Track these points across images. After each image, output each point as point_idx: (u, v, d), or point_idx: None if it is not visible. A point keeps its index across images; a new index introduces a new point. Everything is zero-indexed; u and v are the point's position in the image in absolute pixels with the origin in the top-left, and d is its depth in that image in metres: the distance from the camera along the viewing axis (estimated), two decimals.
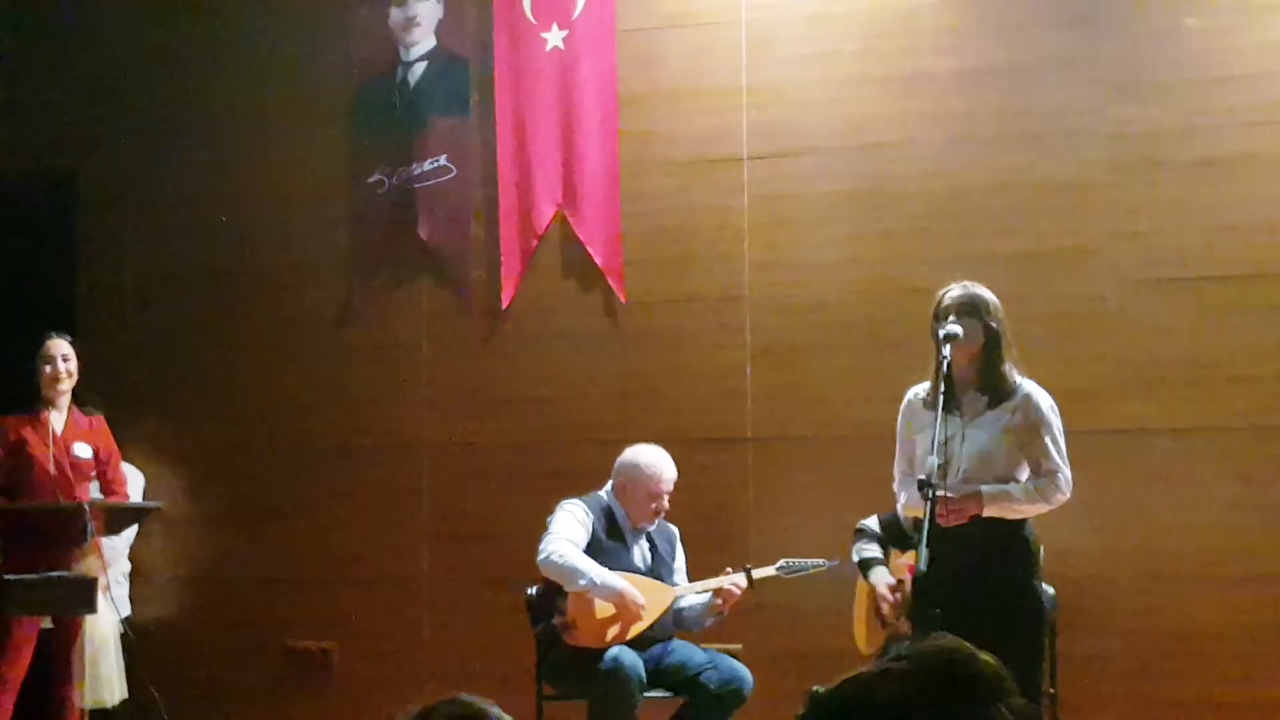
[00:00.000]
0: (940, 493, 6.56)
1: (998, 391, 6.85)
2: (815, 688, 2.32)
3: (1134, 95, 8.89)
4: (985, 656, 2.28)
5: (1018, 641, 6.67)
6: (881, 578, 7.73)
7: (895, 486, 7.11)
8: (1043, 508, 6.84)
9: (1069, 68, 9.01)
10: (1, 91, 10.65)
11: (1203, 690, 8.53)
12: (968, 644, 2.31)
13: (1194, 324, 8.74)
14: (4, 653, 8.12)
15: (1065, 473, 6.83)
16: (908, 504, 7.06)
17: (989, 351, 6.84)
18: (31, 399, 8.51)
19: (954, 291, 6.88)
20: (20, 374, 8.56)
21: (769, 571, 8.05)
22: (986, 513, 6.72)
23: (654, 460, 8.04)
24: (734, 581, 7.92)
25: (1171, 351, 8.75)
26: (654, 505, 8.00)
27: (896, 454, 7.09)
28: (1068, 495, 6.85)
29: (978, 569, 6.71)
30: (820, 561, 8.12)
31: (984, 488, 6.72)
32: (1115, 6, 9.01)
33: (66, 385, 8.57)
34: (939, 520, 6.58)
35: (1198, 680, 8.55)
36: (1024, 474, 6.86)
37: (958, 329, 6.73)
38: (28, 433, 8.41)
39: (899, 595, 7.60)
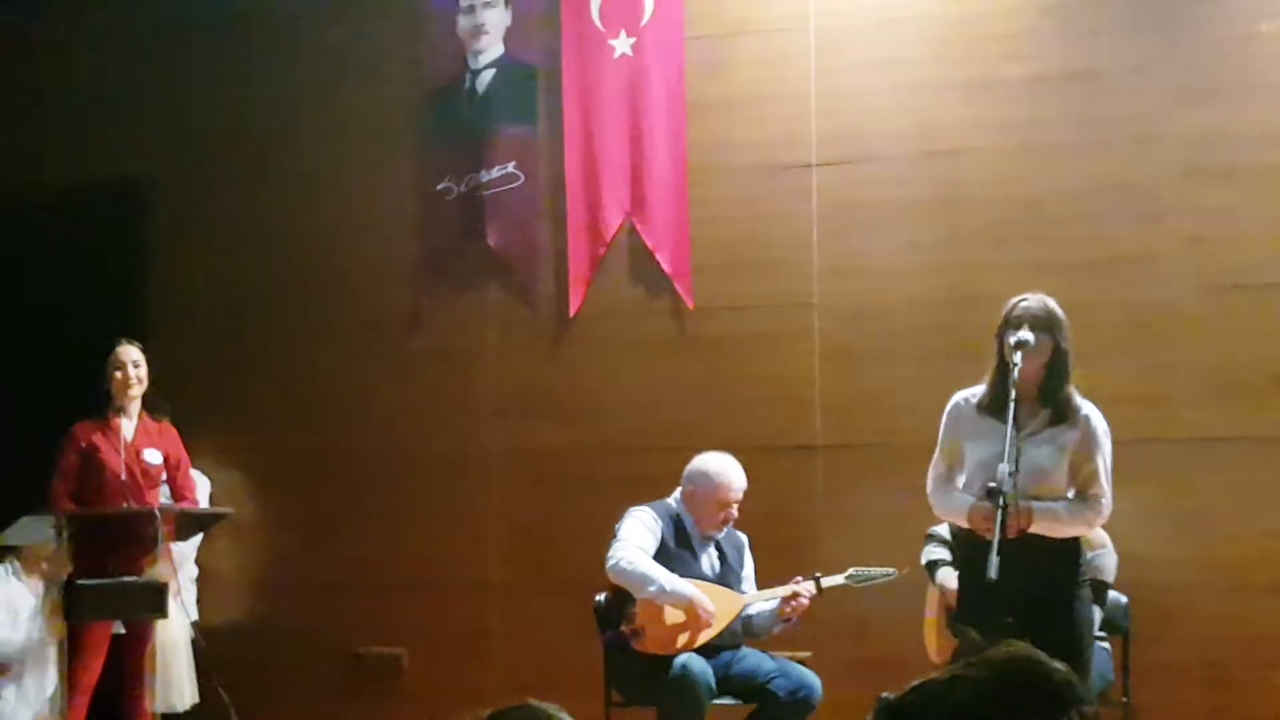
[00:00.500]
0: (1011, 501, 6.53)
1: (1061, 409, 6.80)
2: (884, 694, 2.30)
3: (1207, 101, 8.82)
4: (1057, 664, 2.26)
5: (1063, 652, 6.63)
6: (948, 578, 7.70)
7: (930, 490, 7.03)
8: (1083, 529, 6.86)
9: (1141, 73, 8.94)
10: (78, 98, 10.71)
11: (1278, 701, 8.46)
12: (1039, 652, 2.29)
13: (1268, 330, 8.66)
14: (77, 657, 8.15)
15: (1109, 498, 6.81)
16: (946, 509, 7.00)
17: (1055, 368, 6.80)
18: (102, 405, 8.55)
19: (1029, 302, 6.82)
20: (92, 381, 8.59)
21: (838, 580, 8.03)
22: (1034, 529, 6.68)
23: (723, 468, 8.03)
24: (802, 590, 7.90)
25: (1245, 358, 8.67)
26: (723, 514, 7.99)
27: (935, 457, 7.04)
28: (1105, 519, 6.88)
29: (1029, 582, 6.65)
30: (890, 571, 8.09)
31: (1035, 504, 6.68)
32: (1189, 11, 8.94)
33: (137, 391, 8.60)
34: (985, 534, 6.56)
35: (1274, 690, 8.47)
36: (1071, 493, 6.83)
37: (1029, 337, 6.68)
38: (99, 439, 8.45)
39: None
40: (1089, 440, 6.78)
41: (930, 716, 2.23)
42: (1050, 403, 6.80)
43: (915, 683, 2.30)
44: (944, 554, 7.90)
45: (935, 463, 7.04)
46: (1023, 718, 2.19)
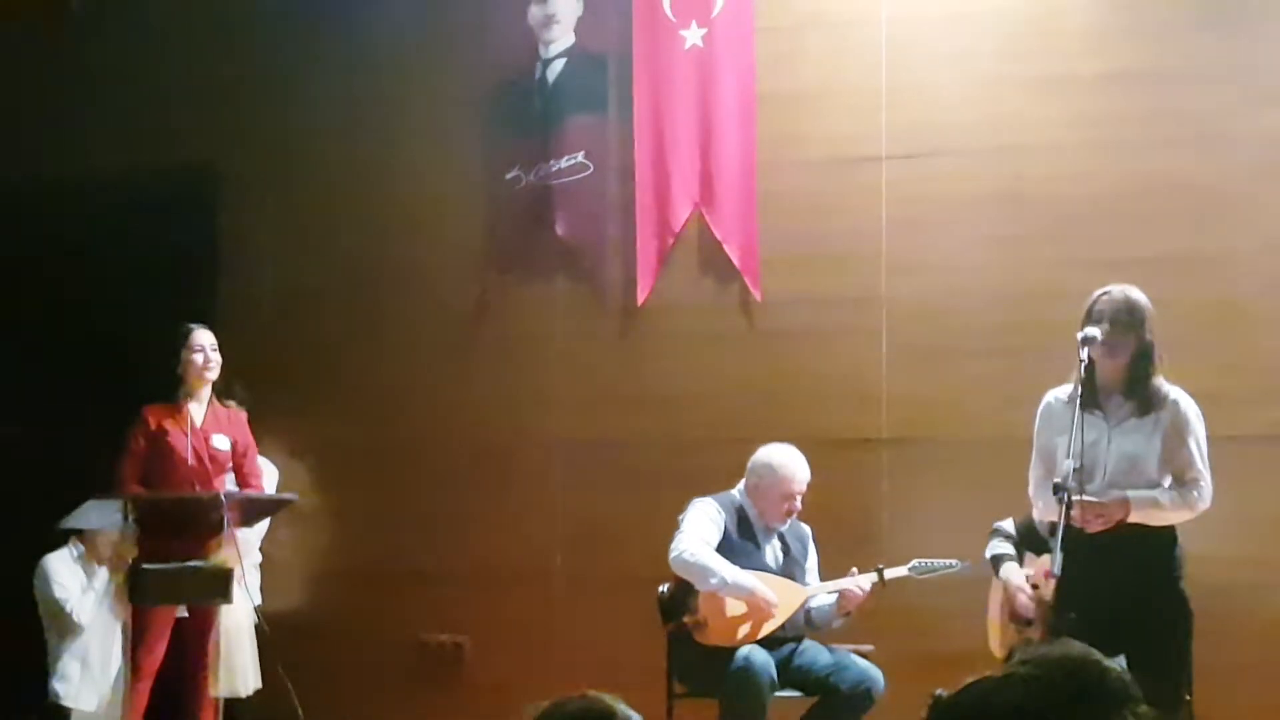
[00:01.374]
0: (1077, 497, 6.51)
1: (1148, 400, 6.78)
2: (939, 691, 2.31)
3: (1278, 100, 8.76)
4: (1110, 664, 2.25)
5: (1160, 646, 6.65)
6: (1012, 572, 7.68)
7: (1031, 492, 7.03)
8: (1186, 515, 6.80)
9: (1214, 71, 8.90)
10: (147, 83, 10.77)
11: None
12: (1094, 650, 2.28)
13: None
14: (140, 641, 8.20)
15: (1208, 481, 6.79)
16: (1045, 510, 6.97)
17: (1141, 362, 6.78)
18: (172, 389, 8.58)
19: (1112, 294, 6.79)
20: (162, 365, 8.64)
21: (901, 572, 8.04)
22: (1133, 519, 6.66)
23: (787, 460, 8.04)
24: (858, 582, 7.90)
25: None
26: (787, 505, 8.00)
27: (1033, 459, 7.02)
28: (1209, 504, 6.81)
29: (1122, 573, 6.66)
30: (953, 562, 8.09)
31: (1131, 493, 6.66)
32: (1263, 10, 8.90)
33: (213, 374, 8.63)
34: (1084, 526, 6.54)
35: None
36: (1167, 481, 6.79)
37: (1096, 332, 6.67)
38: (168, 423, 8.48)
39: (1036, 591, 7.56)
40: (1181, 424, 6.77)
41: (984, 714, 2.23)
42: (1137, 393, 6.78)
43: (969, 680, 2.30)
44: (1008, 549, 7.87)
45: (1033, 465, 7.01)
46: (1076, 716, 2.18)
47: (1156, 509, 6.71)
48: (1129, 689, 2.24)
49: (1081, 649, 2.30)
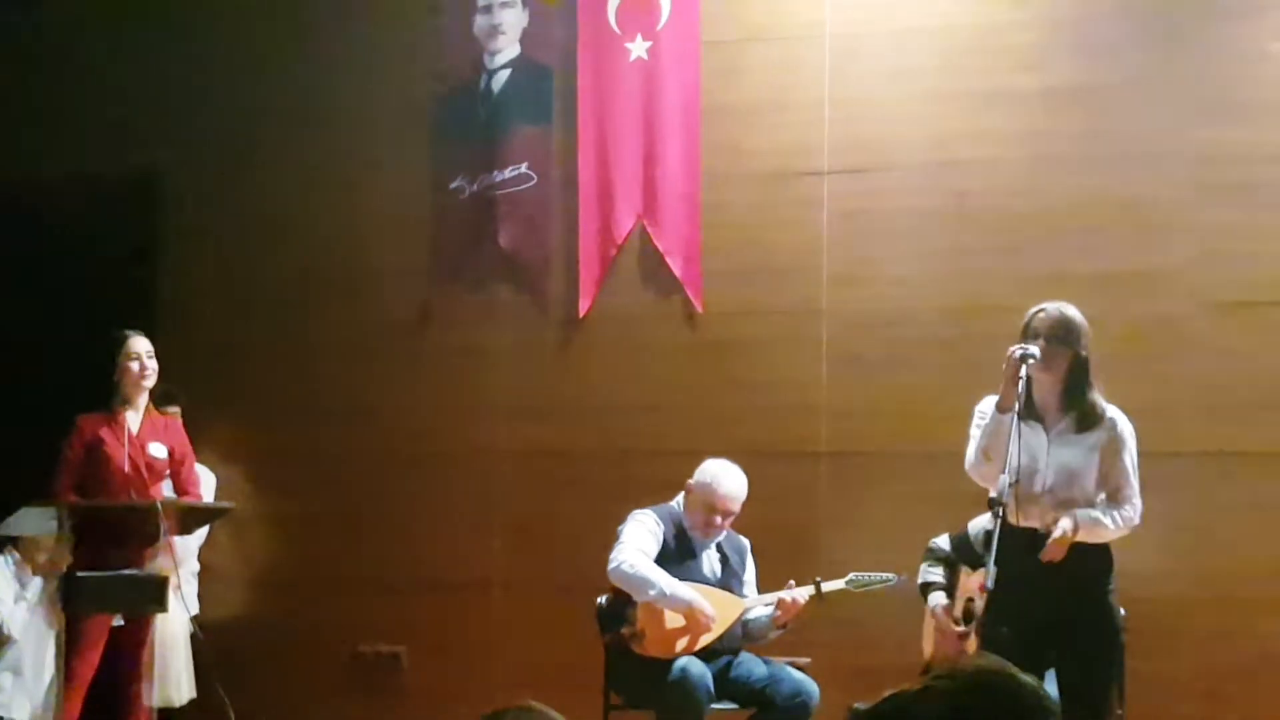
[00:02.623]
0: (1010, 512, 6.56)
1: (1086, 416, 6.86)
2: (856, 705, 2.31)
3: (1217, 118, 8.84)
4: (1026, 678, 2.26)
5: (1092, 660, 6.73)
6: (938, 601, 7.77)
7: (968, 465, 7.00)
8: (1123, 532, 6.89)
9: (1153, 89, 8.97)
10: (87, 91, 10.73)
11: (1271, 716, 8.45)
12: (1010, 664, 2.29)
13: (1270, 347, 8.69)
14: (75, 650, 8.11)
15: (1139, 500, 6.88)
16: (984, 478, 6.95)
17: (1076, 376, 6.85)
18: (108, 398, 8.51)
19: (1048, 311, 6.86)
20: (98, 374, 8.57)
21: (838, 585, 8.05)
22: (1078, 538, 6.71)
23: (718, 475, 8.01)
24: (795, 594, 7.90)
25: (1249, 374, 8.71)
26: (711, 519, 7.96)
27: (973, 434, 6.98)
28: (1139, 522, 6.90)
29: (1055, 588, 6.71)
30: (889, 576, 8.11)
31: (1079, 515, 6.73)
32: (1201, 28, 8.96)
33: (149, 382, 8.56)
34: (1050, 559, 6.61)
35: (1268, 706, 8.48)
36: (1101, 497, 6.85)
37: (1034, 349, 6.71)
38: (104, 432, 8.40)
39: (970, 604, 7.63)
40: (1118, 443, 6.87)
41: None
42: (1075, 408, 6.86)
43: (888, 693, 2.31)
44: (938, 576, 7.92)
45: (974, 439, 6.98)
46: None
47: (1100, 529, 6.80)
48: (1043, 702, 2.25)
49: (998, 663, 2.31)
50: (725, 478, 8.01)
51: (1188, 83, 8.92)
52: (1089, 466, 6.83)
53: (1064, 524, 6.71)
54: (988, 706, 2.20)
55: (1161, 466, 7.46)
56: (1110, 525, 6.80)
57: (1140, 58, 9.02)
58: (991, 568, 6.38)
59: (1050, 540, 6.68)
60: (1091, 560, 6.80)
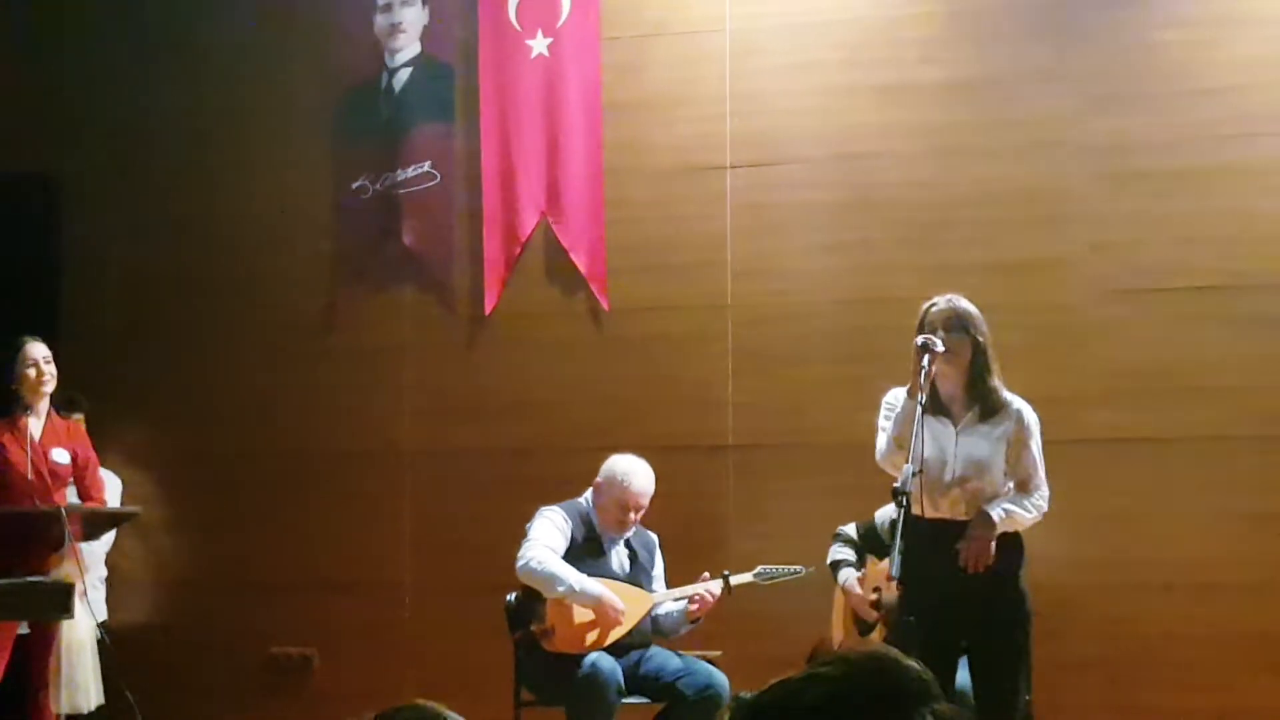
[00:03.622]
0: (917, 502, 6.60)
1: (989, 404, 6.90)
2: (741, 693, 2.32)
3: (1112, 107, 8.94)
4: (911, 663, 2.28)
5: (1000, 647, 6.77)
6: (850, 578, 7.81)
7: (879, 456, 7.03)
8: (1035, 521, 6.94)
9: (1049, 80, 9.05)
10: None
11: (1176, 699, 8.55)
12: (895, 650, 2.31)
13: (1168, 334, 8.78)
14: None
15: (1047, 489, 6.95)
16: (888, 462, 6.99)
17: (977, 365, 6.89)
18: (9, 405, 8.44)
19: (940, 305, 6.91)
20: None
21: (746, 578, 8.09)
22: (1001, 529, 6.77)
23: (629, 470, 8.04)
24: (708, 588, 7.94)
25: (1145, 361, 8.79)
26: (623, 515, 7.99)
27: (882, 425, 7.00)
28: (1047, 509, 6.95)
29: (964, 575, 6.74)
30: (797, 568, 8.16)
31: (993, 512, 6.77)
32: (1094, 19, 9.05)
33: (48, 388, 8.51)
34: (972, 567, 6.66)
35: (1171, 688, 8.57)
36: (1009, 487, 6.90)
37: (937, 340, 6.74)
38: (5, 438, 8.33)
39: (877, 594, 7.69)
40: (1024, 433, 6.90)
41: (786, 715, 2.25)
42: (979, 397, 6.89)
43: (773, 681, 2.32)
44: (848, 554, 7.99)
45: (883, 426, 7.01)
46: (874, 715, 2.21)
47: (1015, 521, 6.84)
48: (929, 688, 2.26)
49: (883, 648, 2.32)
50: (636, 474, 8.03)
51: (1082, 73, 9.01)
52: (996, 457, 6.87)
53: (977, 529, 6.74)
54: (870, 691, 2.21)
55: (1063, 453, 7.52)
56: (1027, 515, 6.85)
57: (1036, 49, 9.10)
58: (897, 557, 6.42)
59: (972, 548, 6.71)
60: (1001, 549, 6.84)
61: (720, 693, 7.81)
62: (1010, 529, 6.83)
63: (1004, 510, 6.80)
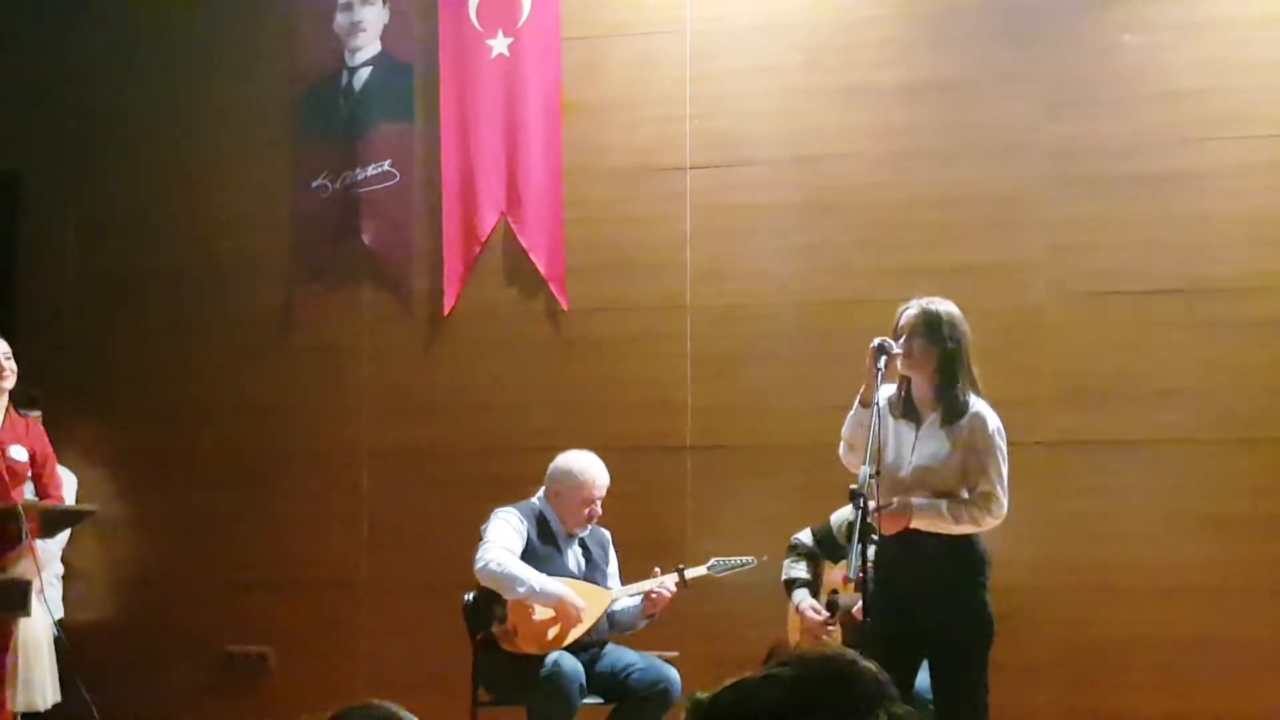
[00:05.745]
0: (872, 503, 6.58)
1: (951, 409, 6.85)
2: (698, 693, 2.33)
3: (1072, 110, 8.97)
4: (867, 663, 2.29)
5: (961, 650, 6.75)
6: (802, 599, 7.85)
7: (841, 453, 7.04)
8: (969, 528, 6.77)
9: (1009, 83, 9.08)
10: None
11: (1133, 701, 8.59)
12: (851, 651, 2.32)
13: (1128, 338, 8.82)
14: None
15: (1001, 498, 6.78)
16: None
17: (944, 370, 6.84)
18: None
19: (911, 310, 6.87)
20: None
21: (700, 571, 8.13)
22: (914, 524, 6.71)
23: (587, 466, 8.07)
24: (663, 583, 7.96)
25: (1106, 364, 8.83)
26: (587, 510, 8.03)
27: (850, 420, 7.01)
28: (999, 520, 6.81)
29: (924, 579, 6.74)
30: (749, 559, 8.22)
31: (915, 500, 6.73)
32: (1055, 22, 9.08)
33: (8, 384, 8.47)
34: (882, 529, 6.63)
35: (1128, 691, 8.61)
36: (964, 491, 6.86)
37: (891, 342, 6.74)
38: None
39: (834, 595, 7.70)
40: (978, 438, 6.80)
41: (742, 715, 2.26)
42: (943, 401, 6.87)
43: (730, 681, 2.33)
44: (802, 572, 7.99)
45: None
46: (830, 715, 2.22)
47: (938, 516, 6.71)
48: (884, 689, 2.28)
49: (839, 650, 2.33)
50: (592, 468, 8.07)
51: (1042, 76, 9.04)
52: (949, 460, 6.80)
53: (897, 500, 6.72)
54: (825, 691, 2.22)
55: (1022, 456, 7.52)
56: (948, 518, 6.71)
57: (997, 52, 9.13)
58: (854, 559, 6.41)
59: (881, 511, 6.68)
60: (957, 551, 6.80)
61: (671, 688, 7.82)
62: (926, 526, 6.72)
63: (929, 506, 6.71)
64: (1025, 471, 7.51)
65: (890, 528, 6.68)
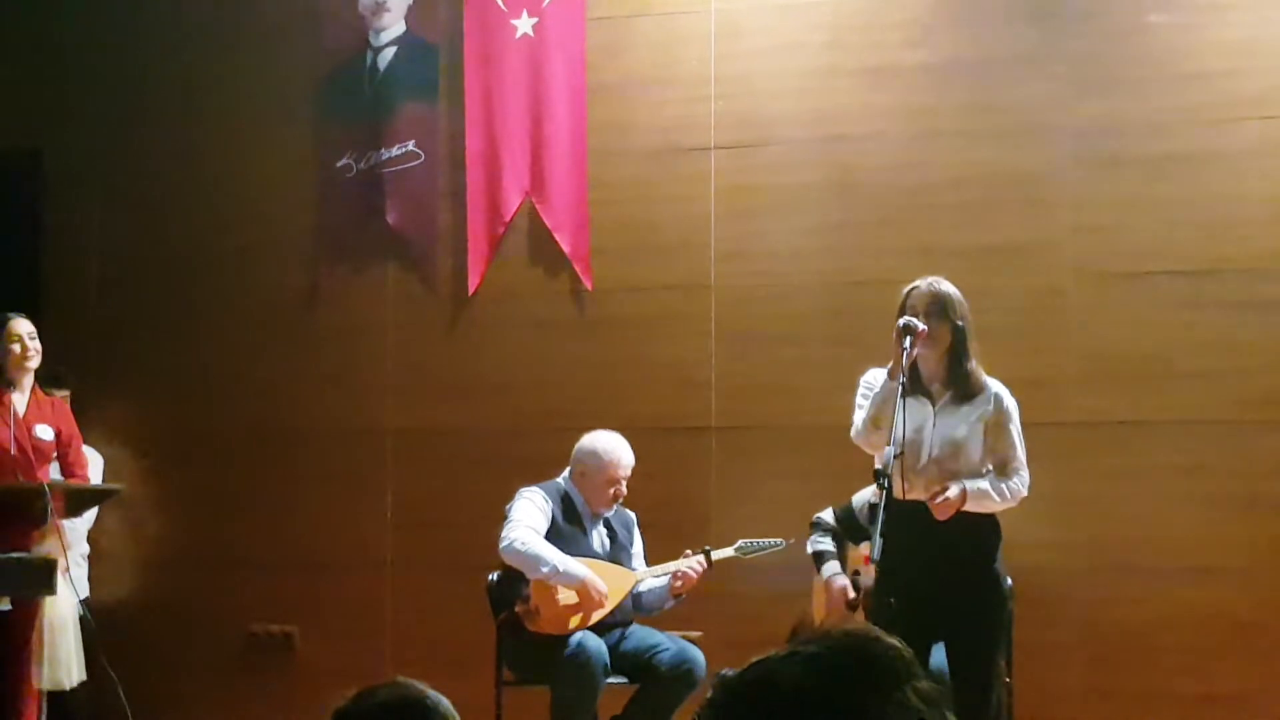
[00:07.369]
0: (897, 481, 6.61)
1: (966, 388, 6.90)
2: (724, 670, 2.33)
3: (1098, 91, 8.95)
4: (891, 641, 2.29)
5: (979, 629, 6.78)
6: (831, 570, 7.82)
7: (854, 433, 7.04)
8: (1009, 505, 6.94)
9: (1034, 63, 9.06)
10: None
11: (1156, 681, 8.59)
12: (876, 629, 2.32)
13: (1152, 318, 8.81)
14: None
15: (1027, 471, 6.95)
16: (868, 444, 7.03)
17: (956, 349, 6.90)
18: None
19: (920, 289, 6.92)
20: None
21: (727, 552, 8.12)
22: (968, 508, 6.78)
23: (612, 446, 8.07)
24: (691, 565, 7.96)
25: (1129, 345, 8.82)
26: (613, 490, 8.03)
27: (859, 404, 7.03)
28: (1027, 493, 6.96)
29: (942, 558, 6.76)
30: (778, 541, 8.19)
31: (967, 484, 6.79)
32: (1081, 2, 9.07)
33: (33, 364, 8.49)
34: (937, 514, 6.69)
35: (1152, 671, 8.61)
36: (988, 468, 6.91)
37: (917, 321, 6.76)
38: None
39: (857, 577, 7.72)
40: (1003, 416, 6.92)
41: (766, 692, 2.26)
42: (956, 381, 6.90)
43: (754, 660, 2.33)
44: (828, 545, 7.98)
45: (860, 407, 7.03)
46: (855, 693, 2.22)
47: (989, 500, 6.84)
48: (909, 666, 2.27)
49: (864, 628, 2.33)
50: (619, 448, 8.07)
51: (1068, 56, 9.02)
52: (973, 438, 6.88)
53: (952, 489, 6.77)
54: (847, 667, 2.22)
55: (1044, 437, 7.55)
56: (996, 498, 6.86)
57: (1022, 32, 9.11)
58: (877, 540, 6.43)
59: (937, 500, 6.73)
60: (979, 532, 6.87)
61: (695, 668, 7.83)
62: (976, 508, 6.82)
63: (975, 487, 6.81)
64: (1049, 452, 7.54)
65: (944, 514, 6.73)
